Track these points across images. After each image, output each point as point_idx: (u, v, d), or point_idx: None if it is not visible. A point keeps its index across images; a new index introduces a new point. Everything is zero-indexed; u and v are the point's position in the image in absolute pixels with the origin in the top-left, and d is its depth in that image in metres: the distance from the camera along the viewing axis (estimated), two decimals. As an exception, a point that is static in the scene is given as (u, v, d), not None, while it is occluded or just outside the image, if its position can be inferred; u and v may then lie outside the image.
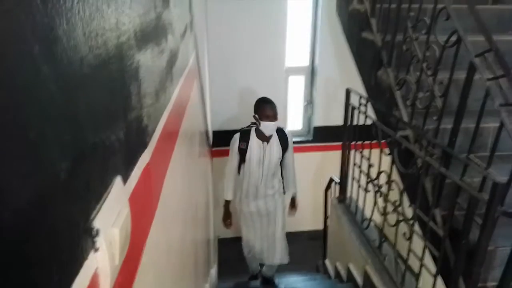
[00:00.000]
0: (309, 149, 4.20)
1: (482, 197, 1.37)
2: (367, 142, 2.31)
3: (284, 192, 2.91)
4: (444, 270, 1.63)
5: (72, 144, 0.38)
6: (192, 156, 1.69)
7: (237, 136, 2.73)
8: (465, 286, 1.52)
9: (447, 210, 1.66)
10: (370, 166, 2.26)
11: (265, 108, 2.56)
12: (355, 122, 2.47)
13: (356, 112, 2.43)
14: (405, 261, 1.92)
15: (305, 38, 4.06)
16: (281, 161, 2.79)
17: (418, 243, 1.78)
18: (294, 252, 3.11)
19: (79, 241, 0.39)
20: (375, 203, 2.22)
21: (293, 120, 4.29)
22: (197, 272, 1.81)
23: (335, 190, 3.19)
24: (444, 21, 1.65)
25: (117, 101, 0.51)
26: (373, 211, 2.28)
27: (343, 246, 2.84)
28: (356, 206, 2.67)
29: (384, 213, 2.07)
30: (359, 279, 2.55)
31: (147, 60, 0.66)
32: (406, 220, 1.85)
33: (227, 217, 2.95)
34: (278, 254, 2.94)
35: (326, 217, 3.56)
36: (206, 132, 2.97)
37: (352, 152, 2.60)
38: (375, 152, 2.18)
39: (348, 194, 2.83)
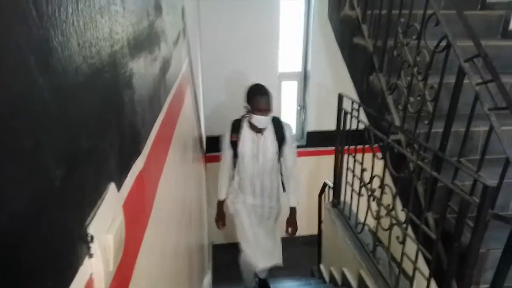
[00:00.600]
0: (303, 154, 4.22)
1: (473, 200, 1.39)
2: (360, 146, 2.33)
3: (283, 190, 2.66)
4: (437, 273, 1.64)
5: (66, 152, 0.38)
6: (186, 161, 1.70)
7: (228, 128, 2.48)
8: (457, 289, 1.53)
9: (439, 214, 1.68)
10: (363, 170, 2.27)
11: (258, 101, 2.28)
12: (347, 127, 2.49)
13: (348, 116, 2.45)
14: (399, 265, 1.93)
15: (298, 44, 4.10)
16: (280, 157, 2.52)
17: (411, 247, 1.79)
18: (289, 257, 3.11)
19: (74, 247, 0.40)
20: (369, 207, 2.23)
21: (287, 125, 4.31)
22: (192, 278, 1.80)
23: (329, 195, 3.20)
24: (434, 26, 1.69)
25: (110, 109, 0.52)
26: (366, 215, 2.29)
27: (338, 251, 2.84)
28: (350, 210, 2.69)
29: (378, 217, 2.09)
30: (353, 283, 2.55)
31: (140, 68, 0.67)
32: (399, 223, 1.86)
33: (220, 217, 2.73)
34: (274, 255, 2.74)
35: (320, 222, 3.57)
36: (200, 137, 2.98)
37: (345, 156, 2.62)
38: (368, 156, 2.20)
39: (342, 198, 2.84)
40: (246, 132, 2.41)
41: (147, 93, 0.74)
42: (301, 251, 4.11)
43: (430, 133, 1.77)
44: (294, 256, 3.52)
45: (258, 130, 2.39)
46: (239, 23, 3.73)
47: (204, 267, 2.91)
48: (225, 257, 3.70)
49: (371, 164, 2.14)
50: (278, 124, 2.46)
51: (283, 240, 3.03)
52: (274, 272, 3.12)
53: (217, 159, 3.34)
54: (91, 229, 0.43)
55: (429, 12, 1.71)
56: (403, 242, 1.82)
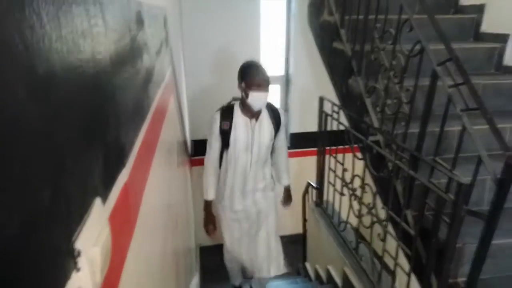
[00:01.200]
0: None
1: (448, 197, 1.45)
2: (340, 147, 2.39)
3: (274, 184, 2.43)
4: (417, 267, 1.70)
5: (53, 171, 0.40)
6: (171, 167, 1.71)
7: (216, 115, 2.12)
8: (436, 282, 1.59)
9: (418, 211, 1.74)
10: (344, 170, 2.33)
11: (255, 74, 1.99)
12: (329, 128, 2.54)
13: (329, 119, 2.50)
14: (381, 261, 1.99)
15: (280, 49, 4.16)
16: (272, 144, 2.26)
17: (392, 243, 1.85)
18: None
19: (62, 263, 0.42)
20: (351, 206, 2.29)
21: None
22: (179, 282, 1.82)
23: (312, 195, 3.26)
24: (409, 32, 1.75)
25: (95, 126, 0.54)
26: (348, 213, 2.35)
27: (322, 249, 2.90)
28: (333, 209, 2.74)
29: (359, 216, 2.15)
30: (338, 280, 2.61)
31: (123, 83, 0.69)
32: (379, 221, 1.92)
33: (210, 221, 2.31)
34: (274, 263, 2.41)
35: (305, 221, 3.63)
36: (185, 141, 2.98)
37: (327, 157, 2.67)
38: (349, 156, 2.26)
39: (325, 198, 2.90)
40: (239, 118, 2.09)
41: (130, 106, 0.76)
42: (287, 250, 4.15)
43: (407, 134, 1.83)
44: (281, 256, 3.56)
45: (252, 115, 2.10)
46: (221, 28, 3.76)
47: (192, 269, 2.92)
48: (213, 259, 3.71)
49: (352, 164, 2.20)
50: (271, 108, 2.20)
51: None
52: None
53: (201, 162, 3.36)
54: (78, 244, 0.45)
55: (403, 17, 1.77)
56: (383, 239, 1.88)
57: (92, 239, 0.50)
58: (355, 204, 2.22)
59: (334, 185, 2.59)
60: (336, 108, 2.37)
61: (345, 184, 2.35)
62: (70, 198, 0.44)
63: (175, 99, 2.10)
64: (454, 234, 1.45)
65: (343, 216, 2.53)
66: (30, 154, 0.35)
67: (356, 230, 2.29)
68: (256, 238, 2.36)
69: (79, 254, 0.46)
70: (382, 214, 1.93)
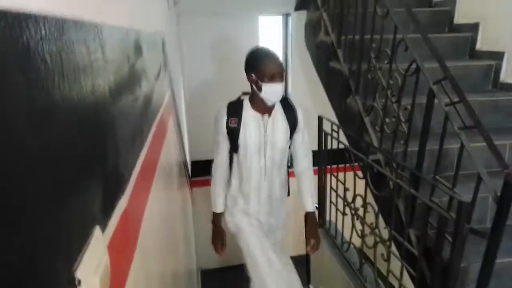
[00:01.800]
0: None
1: (450, 216, 1.44)
2: (341, 165, 2.38)
3: (288, 193, 2.08)
4: (421, 288, 1.67)
5: (54, 203, 0.41)
6: (170, 191, 1.71)
7: (223, 110, 1.78)
8: (442, 303, 1.57)
9: (420, 230, 1.73)
10: (346, 190, 2.32)
11: (268, 62, 1.68)
12: (329, 147, 2.55)
13: (329, 138, 2.51)
14: (385, 282, 1.96)
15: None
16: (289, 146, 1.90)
17: (396, 263, 1.83)
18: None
19: (63, 293, 0.42)
20: (353, 225, 2.27)
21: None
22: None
23: (314, 214, 3.22)
24: (404, 51, 1.78)
25: (94, 157, 0.55)
26: (351, 234, 2.33)
27: (326, 270, 2.85)
28: (336, 230, 2.72)
29: (362, 236, 2.13)
30: (343, 303, 2.56)
31: (122, 111, 0.70)
32: (382, 241, 1.90)
33: (218, 237, 1.96)
34: (296, 281, 2.05)
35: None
36: (184, 163, 2.99)
37: (328, 176, 2.67)
38: (350, 175, 2.26)
39: (327, 218, 2.87)
40: (249, 114, 1.76)
41: (129, 133, 0.77)
42: (291, 272, 4.09)
43: (406, 152, 1.83)
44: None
45: (265, 110, 1.76)
46: (220, 48, 3.83)
47: (193, 294, 2.88)
48: (215, 284, 3.63)
49: (353, 183, 2.20)
50: (286, 104, 1.83)
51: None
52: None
53: (202, 183, 3.35)
54: (78, 273, 0.45)
55: (398, 36, 1.80)
56: (387, 260, 1.86)
57: (92, 268, 0.50)
58: (358, 224, 2.20)
59: (336, 205, 2.58)
60: (335, 127, 2.39)
61: (347, 203, 2.34)
62: (70, 228, 0.44)
63: (174, 121, 2.12)
64: (458, 254, 1.44)
65: (346, 236, 2.50)
66: (31, 186, 0.36)
67: (360, 251, 2.26)
68: (273, 254, 1.93)
69: (79, 283, 0.46)
70: (386, 233, 1.91)
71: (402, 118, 1.81)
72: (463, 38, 2.67)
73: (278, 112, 1.80)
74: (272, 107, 1.78)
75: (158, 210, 1.15)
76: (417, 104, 1.73)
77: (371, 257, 2.06)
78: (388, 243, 1.85)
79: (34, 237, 0.36)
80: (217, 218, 1.95)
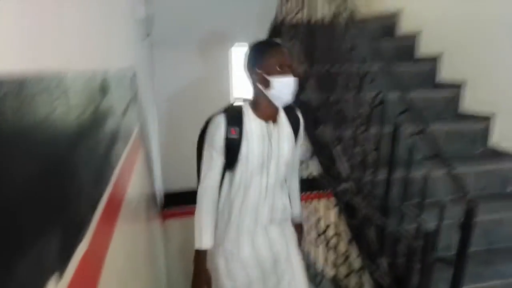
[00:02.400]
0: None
1: (417, 244, 1.47)
2: (315, 192, 2.40)
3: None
4: (395, 318, 1.67)
5: (8, 254, 0.40)
6: (138, 227, 1.66)
7: (220, 118, 1.42)
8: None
9: (391, 258, 1.75)
10: (319, 219, 2.34)
11: (277, 52, 1.39)
12: (304, 176, 2.57)
13: (304, 165, 2.54)
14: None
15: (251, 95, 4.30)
16: None
17: (370, 292, 1.83)
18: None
19: None
20: (326, 256, 2.27)
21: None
22: None
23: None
24: (370, 83, 1.86)
25: (53, 204, 0.54)
26: (324, 264, 2.32)
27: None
28: (308, 260, 2.70)
29: (335, 265, 2.13)
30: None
31: (85, 154, 0.70)
32: (354, 271, 1.91)
33: (202, 281, 1.47)
34: None
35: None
36: (154, 195, 2.92)
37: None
38: (323, 203, 2.28)
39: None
40: (251, 123, 1.44)
41: (92, 176, 0.76)
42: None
43: (375, 180, 1.88)
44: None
45: (270, 115, 1.46)
46: (193, 76, 3.89)
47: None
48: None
49: (325, 212, 2.22)
50: (289, 110, 1.54)
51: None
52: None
53: (174, 215, 3.29)
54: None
55: (366, 68, 1.88)
56: (360, 290, 1.86)
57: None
58: (331, 254, 2.21)
59: (308, 235, 2.58)
60: (308, 155, 2.42)
61: (319, 233, 2.35)
62: (26, 276, 0.43)
63: (144, 155, 2.09)
64: (426, 281, 1.46)
65: (320, 267, 2.49)
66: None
67: (333, 281, 2.25)
68: None
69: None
70: (358, 262, 1.92)
71: (371, 147, 1.86)
72: (426, 69, 2.80)
73: (282, 118, 1.51)
74: (277, 111, 1.49)
75: (123, 247, 1.12)
76: (385, 134, 1.79)
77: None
78: (359, 272, 1.86)
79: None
80: (201, 257, 1.48)
